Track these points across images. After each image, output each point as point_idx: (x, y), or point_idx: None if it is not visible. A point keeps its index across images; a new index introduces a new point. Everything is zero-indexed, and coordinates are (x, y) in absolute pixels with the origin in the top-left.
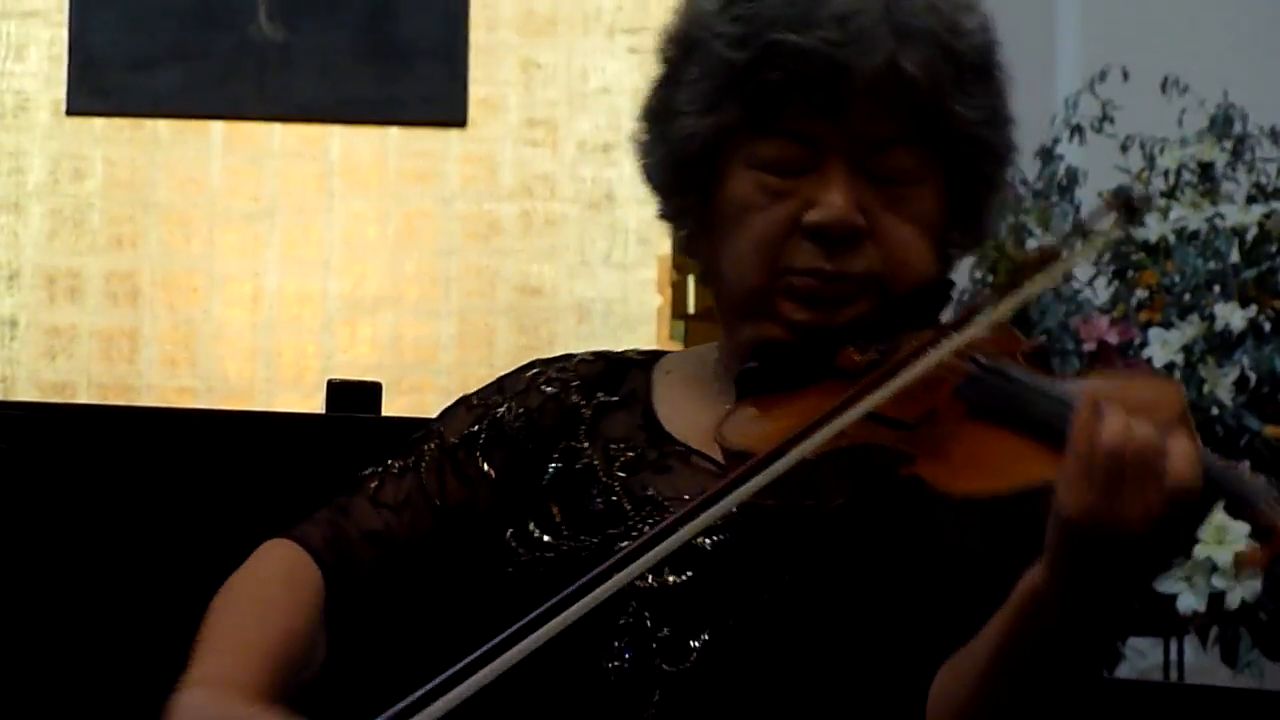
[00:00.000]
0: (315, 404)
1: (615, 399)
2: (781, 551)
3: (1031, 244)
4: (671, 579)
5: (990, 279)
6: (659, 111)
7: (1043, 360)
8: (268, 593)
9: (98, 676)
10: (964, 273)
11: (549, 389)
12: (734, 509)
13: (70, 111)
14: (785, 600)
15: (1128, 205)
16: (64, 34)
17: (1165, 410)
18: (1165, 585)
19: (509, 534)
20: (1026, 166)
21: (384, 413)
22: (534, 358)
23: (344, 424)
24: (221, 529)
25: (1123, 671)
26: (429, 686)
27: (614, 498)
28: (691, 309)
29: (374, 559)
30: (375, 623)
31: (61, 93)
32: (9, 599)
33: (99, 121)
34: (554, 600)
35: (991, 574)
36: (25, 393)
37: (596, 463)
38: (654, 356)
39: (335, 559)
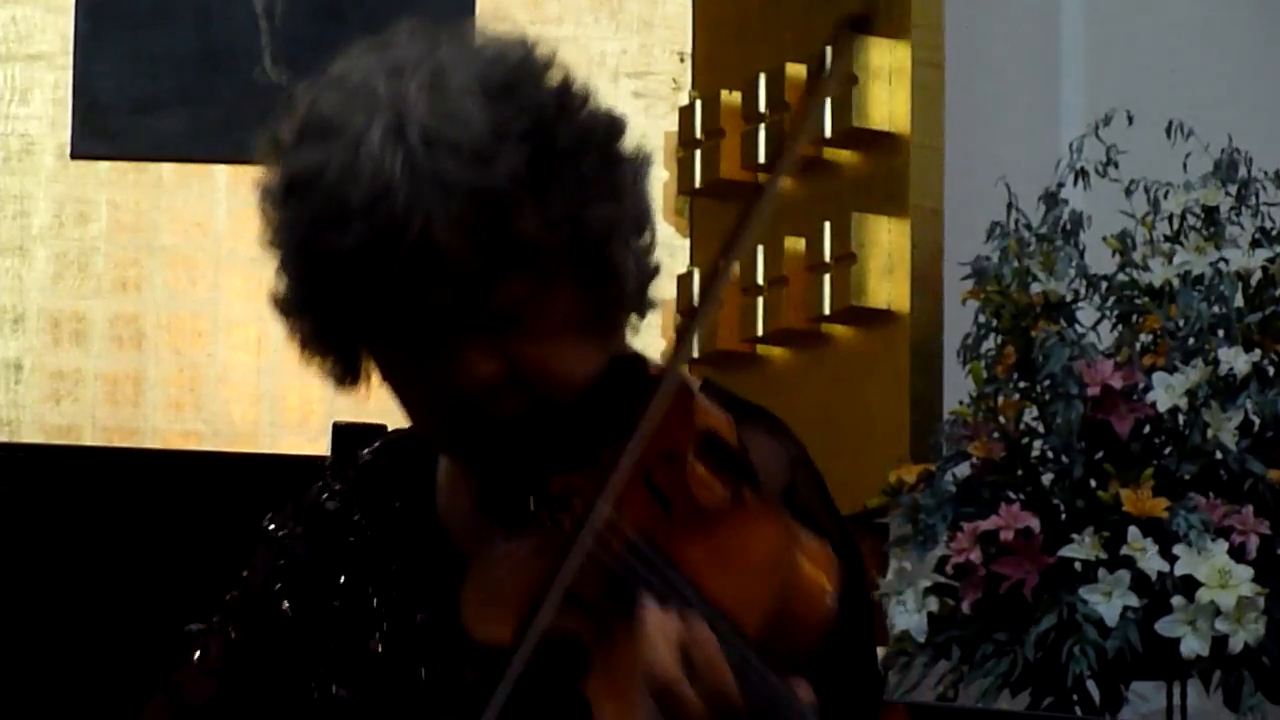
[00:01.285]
0: (320, 447)
1: (397, 504)
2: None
3: (1036, 288)
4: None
5: (995, 323)
6: (277, 304)
7: (714, 448)
8: None
9: (99, 714)
10: (969, 316)
11: (331, 504)
12: None
13: (75, 155)
14: None
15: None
16: (68, 77)
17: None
18: (1168, 629)
19: (311, 681)
20: (1030, 210)
21: None
22: None
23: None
24: (226, 572)
25: (1126, 715)
26: None
27: (398, 641)
28: (697, 184)
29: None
30: None
31: (66, 136)
32: (14, 636)
33: (103, 165)
34: None
35: None
36: (30, 436)
37: (377, 602)
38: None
39: None
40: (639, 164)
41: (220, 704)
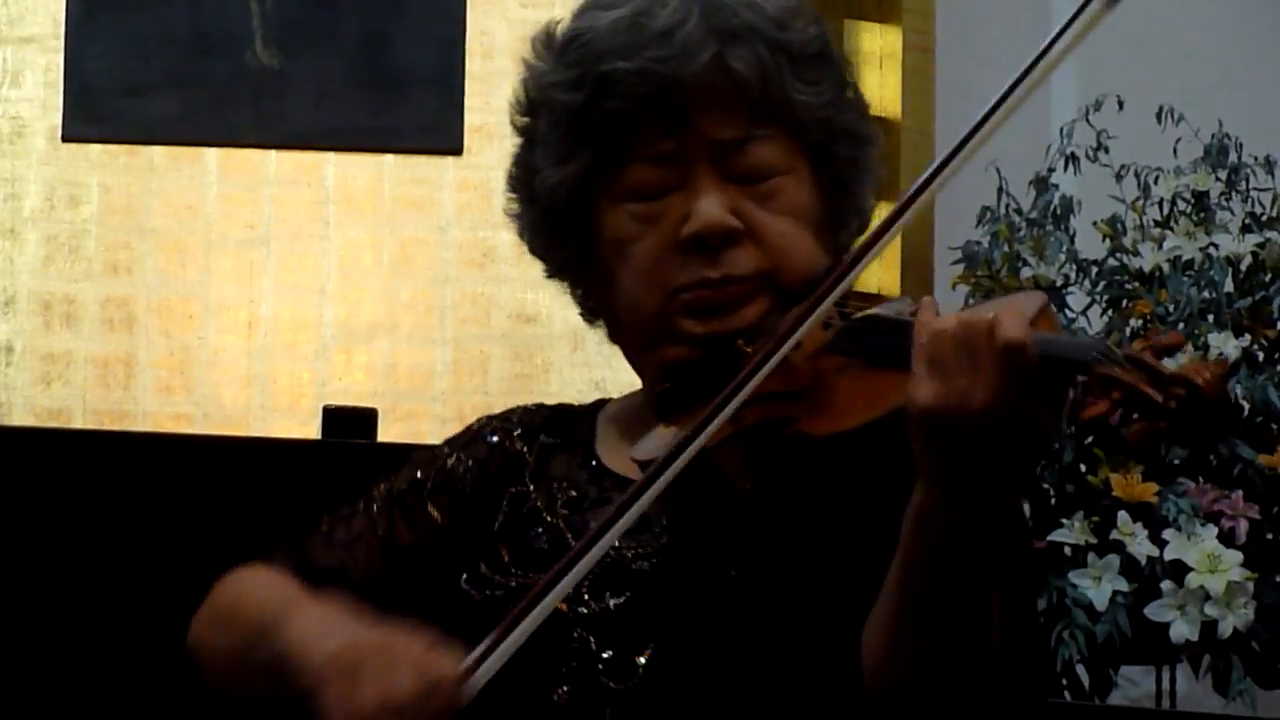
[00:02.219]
0: (311, 430)
1: (557, 441)
2: (713, 562)
3: (1026, 273)
4: (611, 602)
5: None
6: (522, 176)
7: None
8: (283, 582)
9: (92, 696)
10: (959, 301)
11: (494, 438)
12: (660, 529)
13: (66, 138)
14: (723, 606)
15: None
16: (60, 60)
17: (1012, 305)
18: (1157, 614)
19: (463, 579)
20: (1021, 195)
21: (379, 439)
22: (529, 385)
23: (339, 450)
24: (217, 554)
25: (1115, 699)
26: None
27: (557, 534)
28: None
29: (329, 594)
30: None
31: (57, 119)
32: (5, 620)
33: (95, 148)
34: (493, 634)
35: (890, 511)
36: (21, 419)
37: (540, 504)
38: (599, 404)
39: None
40: (879, 139)
41: (340, 574)
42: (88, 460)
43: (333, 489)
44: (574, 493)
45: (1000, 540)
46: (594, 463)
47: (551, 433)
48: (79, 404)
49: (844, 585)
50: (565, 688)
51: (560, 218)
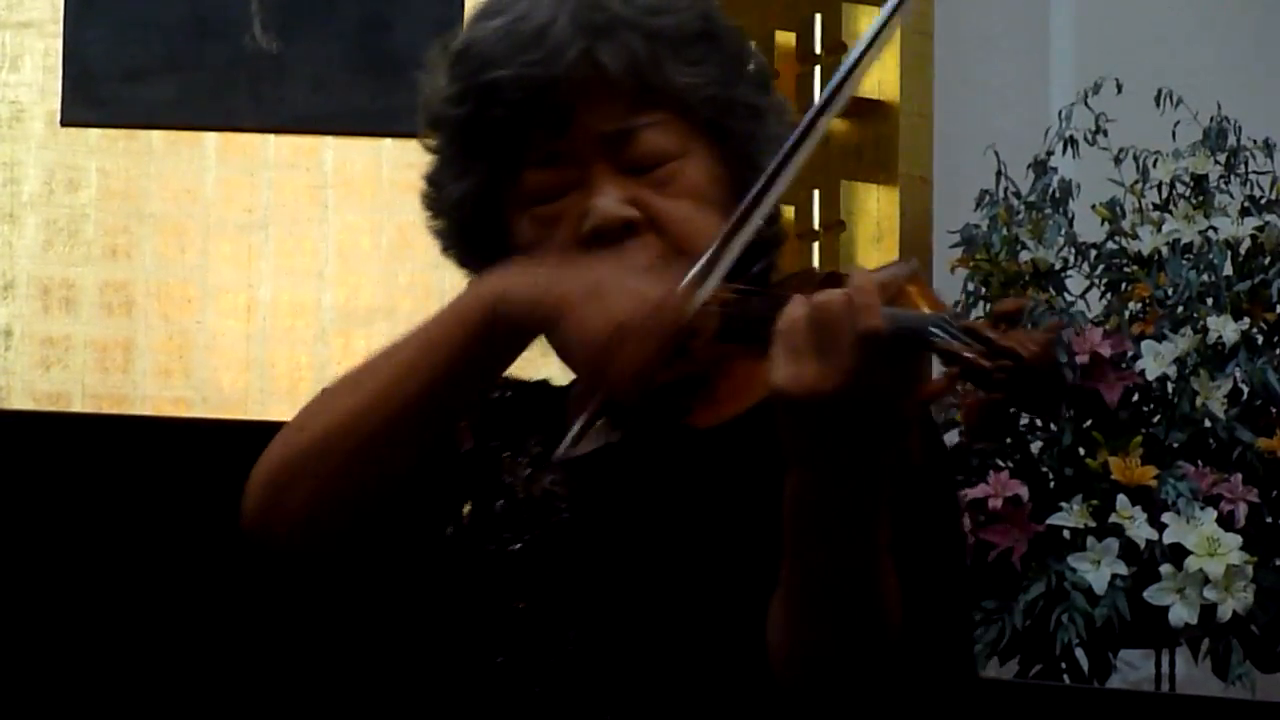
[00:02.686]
0: None
1: (541, 451)
2: (616, 536)
3: (1025, 256)
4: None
5: (984, 291)
6: (432, 193)
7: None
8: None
9: (92, 680)
10: (958, 284)
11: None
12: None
13: (65, 122)
14: (636, 581)
15: None
16: (58, 45)
17: (865, 282)
18: (1157, 598)
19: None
20: (1020, 179)
21: None
22: (526, 369)
23: None
24: (215, 539)
25: (1114, 683)
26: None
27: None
28: None
29: None
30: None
31: (56, 103)
32: (7, 602)
33: (93, 132)
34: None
35: (770, 495)
36: (20, 403)
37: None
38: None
39: None
40: (786, 110)
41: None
42: (87, 444)
43: None
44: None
45: (879, 510)
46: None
47: (543, 433)
48: (78, 388)
49: (732, 574)
50: (500, 657)
51: (471, 230)
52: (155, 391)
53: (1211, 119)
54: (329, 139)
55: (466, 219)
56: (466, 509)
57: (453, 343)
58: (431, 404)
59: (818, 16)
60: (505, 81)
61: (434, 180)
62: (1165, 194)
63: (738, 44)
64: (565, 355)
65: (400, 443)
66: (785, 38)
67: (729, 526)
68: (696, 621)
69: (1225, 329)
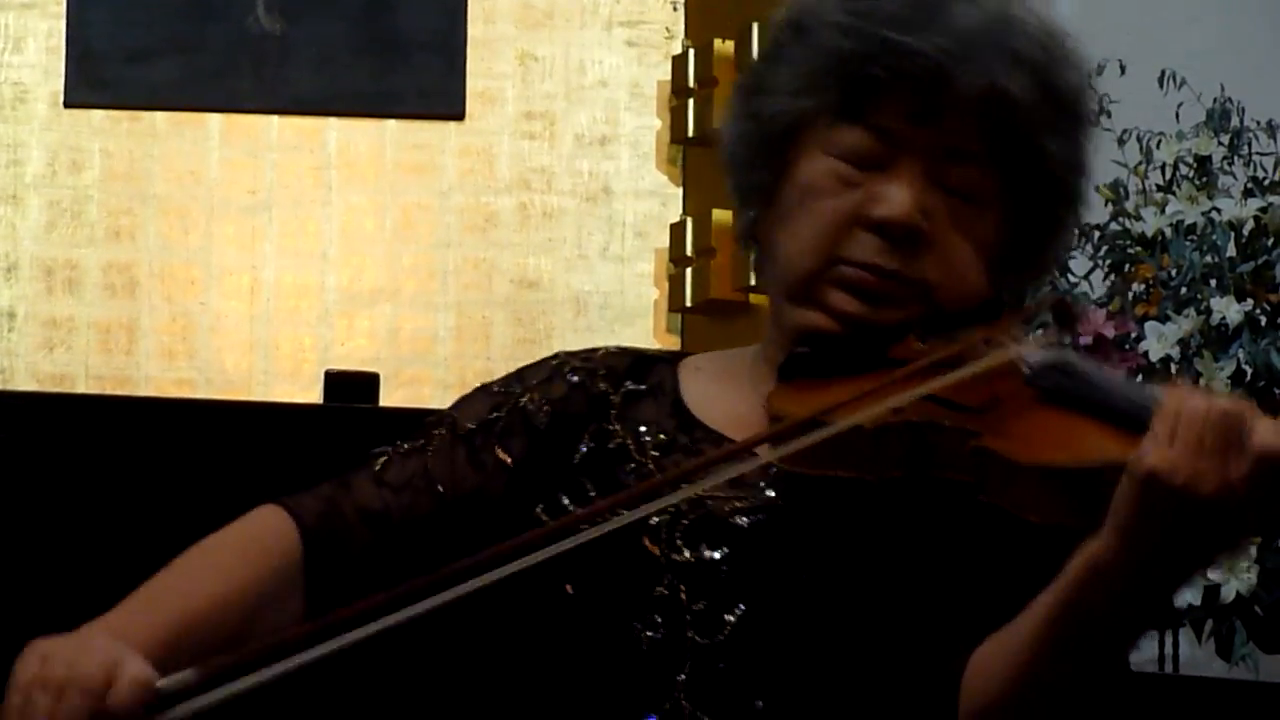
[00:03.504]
0: (313, 396)
1: (643, 388)
2: (819, 530)
3: None
4: (708, 554)
5: None
6: (753, 87)
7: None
8: (223, 555)
9: None
10: None
11: (575, 378)
12: (764, 484)
13: (68, 104)
14: (820, 578)
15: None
16: (62, 26)
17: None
18: None
19: (539, 509)
20: None
21: (381, 404)
22: (531, 350)
23: (342, 415)
24: (220, 520)
25: None
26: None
27: (646, 474)
28: (689, 302)
29: (367, 537)
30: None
31: (59, 85)
32: (9, 584)
33: (97, 113)
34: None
35: (1047, 550)
36: (24, 384)
37: (629, 444)
38: (680, 355)
39: (324, 531)
40: (1084, 200)
41: (379, 517)
42: (90, 426)
43: (335, 453)
44: (663, 436)
45: (1155, 615)
46: (683, 412)
47: (636, 378)
48: (81, 369)
49: (939, 602)
50: (650, 634)
51: (769, 143)
52: (159, 373)
53: (1215, 100)
54: (332, 120)
55: (774, 132)
56: (587, 485)
57: None
58: None
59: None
60: (907, 49)
61: (764, 80)
62: (1169, 175)
63: (1089, 136)
64: None
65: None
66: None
67: (957, 556)
68: (850, 636)
69: (1229, 310)
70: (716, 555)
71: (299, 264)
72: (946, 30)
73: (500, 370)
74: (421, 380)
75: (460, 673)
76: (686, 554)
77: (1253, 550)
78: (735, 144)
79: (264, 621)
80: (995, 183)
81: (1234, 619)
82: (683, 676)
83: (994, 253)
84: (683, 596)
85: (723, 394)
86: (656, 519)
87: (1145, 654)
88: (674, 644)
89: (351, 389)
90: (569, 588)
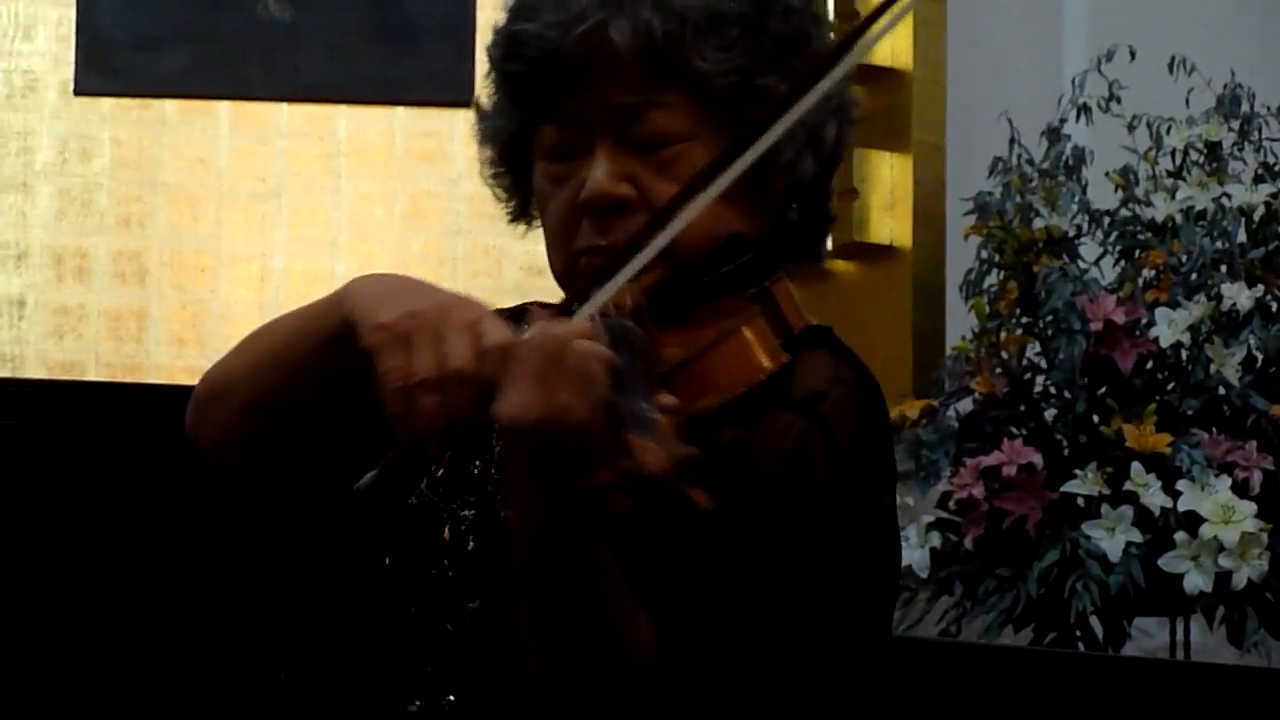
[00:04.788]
0: None
1: None
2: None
3: (1038, 223)
4: (472, 546)
5: (997, 259)
6: (478, 118)
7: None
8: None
9: (103, 648)
10: (971, 251)
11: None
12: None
13: (78, 91)
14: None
15: None
16: (72, 14)
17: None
18: (1171, 565)
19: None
20: (1033, 146)
21: None
22: None
23: None
24: (229, 506)
25: (1129, 651)
26: None
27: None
28: None
29: None
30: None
31: (69, 73)
32: (19, 571)
33: (107, 101)
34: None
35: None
36: (33, 372)
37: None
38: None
39: None
40: (838, 103)
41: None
42: (100, 413)
43: None
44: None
45: (587, 557)
46: None
47: None
48: (91, 357)
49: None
50: (415, 609)
51: (506, 165)
52: (168, 361)
53: (1225, 86)
54: (342, 108)
55: (503, 153)
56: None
57: (318, 328)
58: (307, 377)
59: None
60: (525, 36)
61: (482, 109)
62: (1179, 161)
63: (788, 27)
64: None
65: (292, 400)
66: None
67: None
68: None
69: (1239, 296)
70: (470, 547)
71: (309, 251)
72: (558, 4)
73: None
74: None
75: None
76: (470, 542)
77: (1263, 537)
78: (486, 169)
79: None
80: (685, 116)
81: (1245, 606)
82: (429, 667)
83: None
84: (449, 577)
85: None
86: (465, 510)
87: (1157, 641)
88: (430, 628)
89: None
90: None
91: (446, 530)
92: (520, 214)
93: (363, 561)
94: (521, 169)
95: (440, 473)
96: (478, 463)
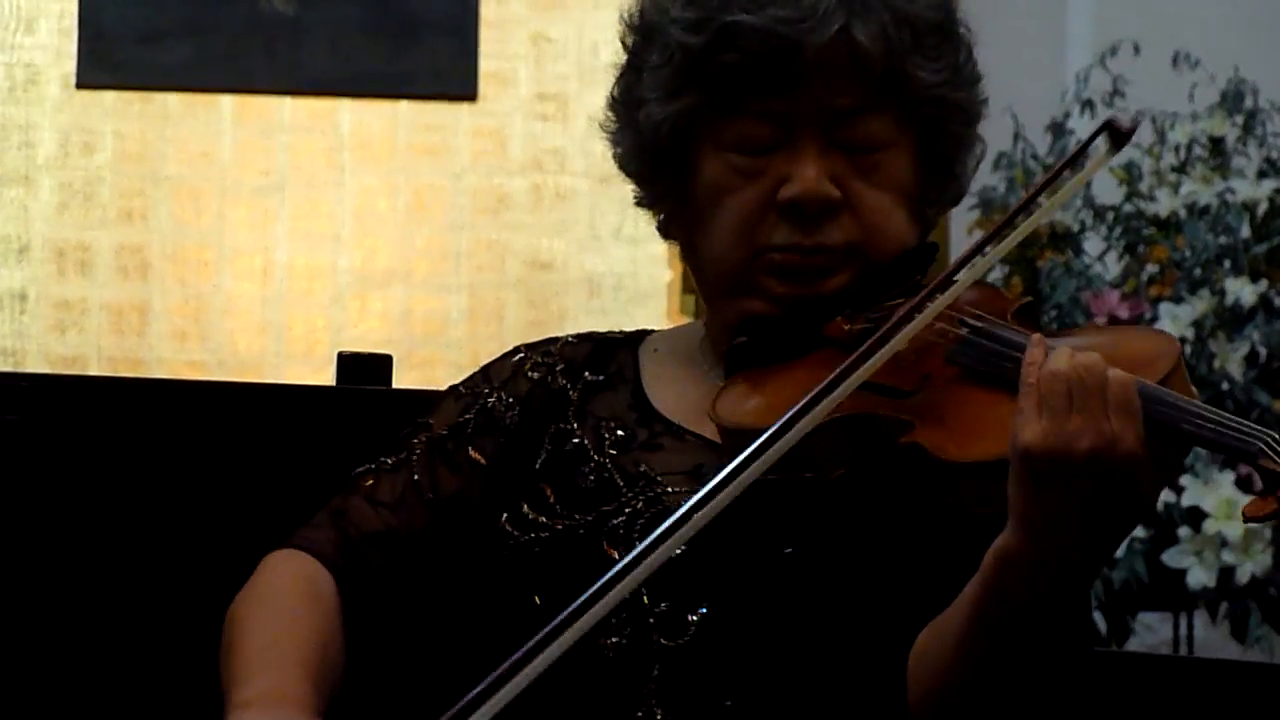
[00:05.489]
0: (325, 378)
1: (601, 379)
2: (777, 524)
3: (1043, 219)
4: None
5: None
6: (625, 99)
7: (1031, 317)
8: (291, 605)
9: (104, 649)
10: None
11: (535, 374)
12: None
13: (80, 85)
14: (781, 573)
15: (1115, 133)
16: (74, 7)
17: (1142, 356)
18: (1175, 560)
19: (504, 519)
20: (1037, 140)
21: (394, 386)
22: (544, 331)
23: (354, 397)
24: (232, 502)
25: (1132, 646)
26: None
27: (605, 475)
28: None
29: (380, 559)
30: (385, 621)
31: (71, 66)
32: (19, 569)
33: (109, 95)
34: (573, 605)
35: (988, 538)
36: (35, 366)
37: (586, 442)
38: (640, 335)
39: (346, 563)
40: (982, 108)
41: (388, 536)
42: (102, 408)
43: (347, 435)
44: (621, 433)
45: (1080, 598)
46: (643, 403)
47: (595, 369)
48: (93, 351)
49: (899, 593)
50: (614, 639)
51: (660, 152)
52: (171, 354)
53: (1229, 81)
54: (345, 101)
55: (660, 142)
56: (549, 492)
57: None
58: None
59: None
60: (750, 28)
61: (633, 93)
62: (1183, 156)
63: (967, 40)
64: None
65: None
66: None
67: (907, 550)
68: (815, 631)
69: (1243, 291)
70: (677, 553)
71: (311, 245)
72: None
73: None
74: (434, 362)
75: (429, 686)
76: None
77: (1267, 533)
78: (627, 158)
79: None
80: (890, 124)
81: (1249, 601)
82: (652, 682)
83: (913, 190)
84: (644, 599)
85: (678, 378)
86: (614, 519)
87: (1160, 635)
88: (641, 649)
89: (364, 371)
90: (537, 599)
91: (605, 547)
92: (655, 202)
93: (504, 606)
94: (675, 156)
95: (552, 496)
96: (591, 477)
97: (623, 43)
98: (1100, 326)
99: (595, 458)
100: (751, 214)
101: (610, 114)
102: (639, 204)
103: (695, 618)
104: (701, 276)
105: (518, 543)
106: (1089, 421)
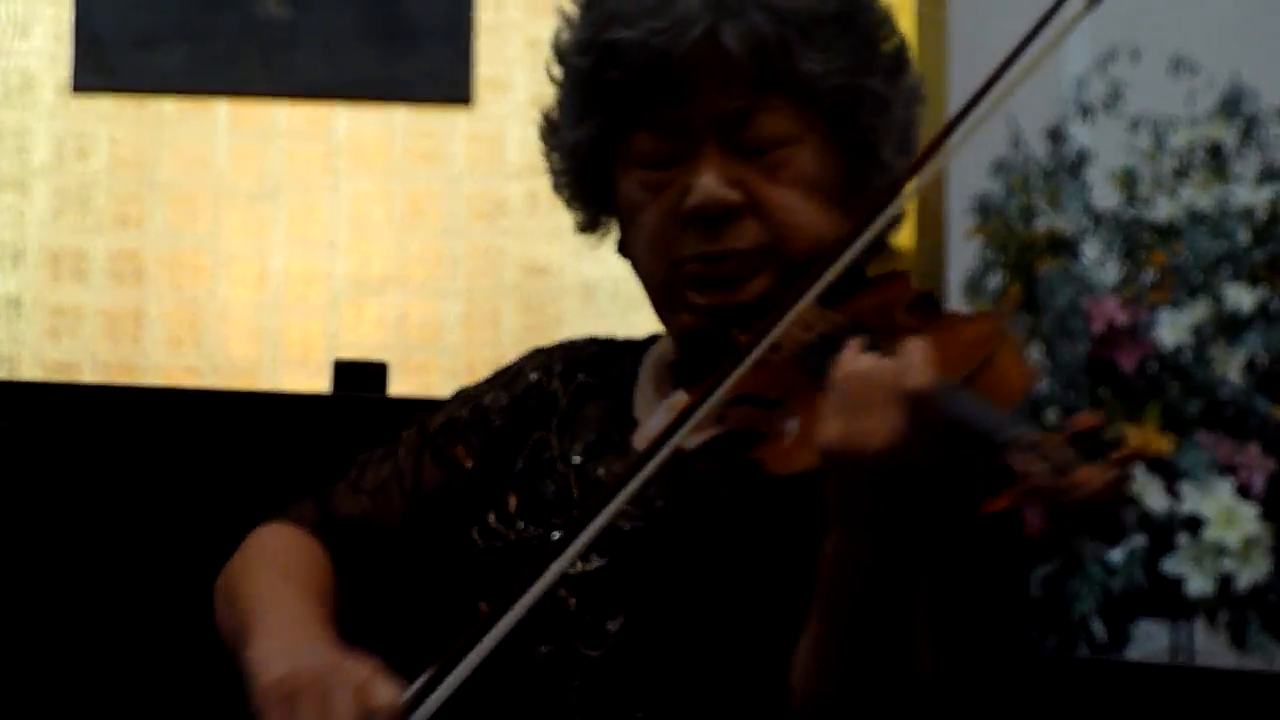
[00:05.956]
0: (321, 384)
1: (595, 382)
2: (695, 537)
3: (1041, 224)
4: (594, 564)
5: (999, 259)
6: (549, 129)
7: (926, 308)
8: (286, 561)
9: (99, 656)
10: (973, 251)
11: (534, 375)
12: (660, 499)
13: (75, 90)
14: (696, 584)
15: None
16: (69, 12)
17: (970, 340)
18: (1174, 568)
19: (475, 530)
20: (1036, 146)
21: (390, 393)
22: (541, 337)
23: (350, 403)
24: (226, 508)
25: (1131, 654)
26: None
27: (565, 484)
28: None
29: (350, 544)
30: (348, 607)
31: (66, 71)
32: (13, 576)
33: (104, 100)
34: (435, 664)
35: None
36: (30, 372)
37: (557, 452)
38: (651, 340)
39: (325, 539)
40: (916, 94)
41: (361, 523)
42: (97, 414)
43: (343, 442)
44: (593, 437)
45: (916, 579)
46: (625, 409)
47: (592, 372)
48: (88, 357)
49: (791, 605)
50: (543, 647)
51: (582, 175)
52: (166, 360)
53: (1228, 87)
54: (340, 107)
55: (579, 165)
56: (513, 501)
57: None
58: None
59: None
60: (627, 44)
61: (552, 119)
62: (1182, 162)
63: (876, 26)
64: None
65: None
66: None
67: (767, 566)
68: (726, 643)
69: (1242, 298)
70: (599, 564)
71: (307, 251)
72: (655, 8)
73: (510, 357)
74: (430, 368)
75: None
76: (578, 564)
77: (1267, 539)
78: (558, 181)
79: None
80: (791, 120)
81: (1248, 608)
82: (574, 692)
83: (828, 182)
84: (571, 607)
85: (654, 389)
86: (559, 533)
87: (1159, 644)
88: (565, 657)
89: (360, 377)
90: (483, 605)
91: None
92: (592, 224)
93: (455, 613)
94: (597, 179)
95: (514, 505)
96: (552, 487)
97: (548, 72)
98: (947, 316)
99: (560, 467)
100: (663, 228)
101: (542, 146)
102: (581, 230)
103: (613, 627)
104: (647, 295)
105: (479, 551)
106: (877, 419)
